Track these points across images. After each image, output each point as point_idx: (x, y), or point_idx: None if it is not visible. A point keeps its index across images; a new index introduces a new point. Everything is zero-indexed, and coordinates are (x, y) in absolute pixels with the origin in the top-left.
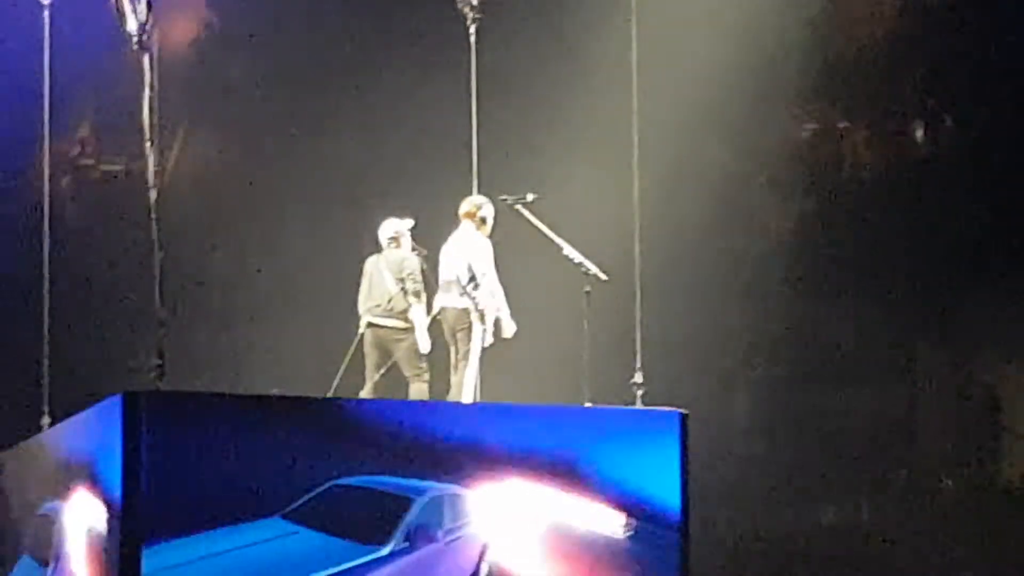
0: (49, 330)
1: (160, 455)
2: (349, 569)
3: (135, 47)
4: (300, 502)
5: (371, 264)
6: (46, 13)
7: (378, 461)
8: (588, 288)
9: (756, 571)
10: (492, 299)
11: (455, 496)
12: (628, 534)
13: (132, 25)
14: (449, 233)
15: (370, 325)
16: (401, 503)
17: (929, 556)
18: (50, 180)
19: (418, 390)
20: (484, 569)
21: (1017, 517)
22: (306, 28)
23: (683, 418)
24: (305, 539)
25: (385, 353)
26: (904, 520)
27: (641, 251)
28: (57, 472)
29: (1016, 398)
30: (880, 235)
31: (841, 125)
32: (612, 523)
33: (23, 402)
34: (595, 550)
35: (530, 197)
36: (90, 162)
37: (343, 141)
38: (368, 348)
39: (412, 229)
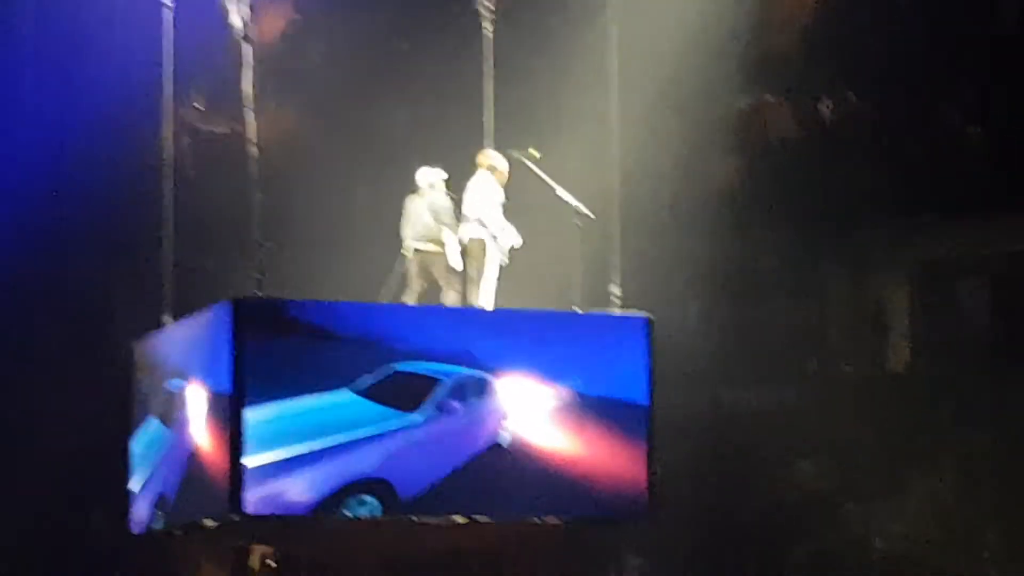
0: (174, 251)
1: (257, 344)
2: (391, 431)
3: (239, 37)
4: (363, 380)
5: (409, 202)
6: (167, 11)
7: (421, 352)
8: (579, 223)
9: (702, 437)
10: (505, 232)
11: (479, 379)
12: (609, 405)
13: (236, 21)
14: (468, 180)
15: (414, 250)
16: (433, 382)
17: (833, 425)
18: (173, 140)
19: (452, 299)
20: (505, 437)
21: (899, 395)
22: (365, 24)
23: (648, 321)
24: (363, 406)
25: (425, 270)
26: (816, 399)
27: (620, 196)
28: (181, 357)
29: (897, 306)
30: (796, 184)
31: (769, 100)
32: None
33: (150, 305)
34: (586, 419)
35: (537, 153)
36: (203, 126)
37: (391, 111)
38: (412, 267)
39: (439, 179)
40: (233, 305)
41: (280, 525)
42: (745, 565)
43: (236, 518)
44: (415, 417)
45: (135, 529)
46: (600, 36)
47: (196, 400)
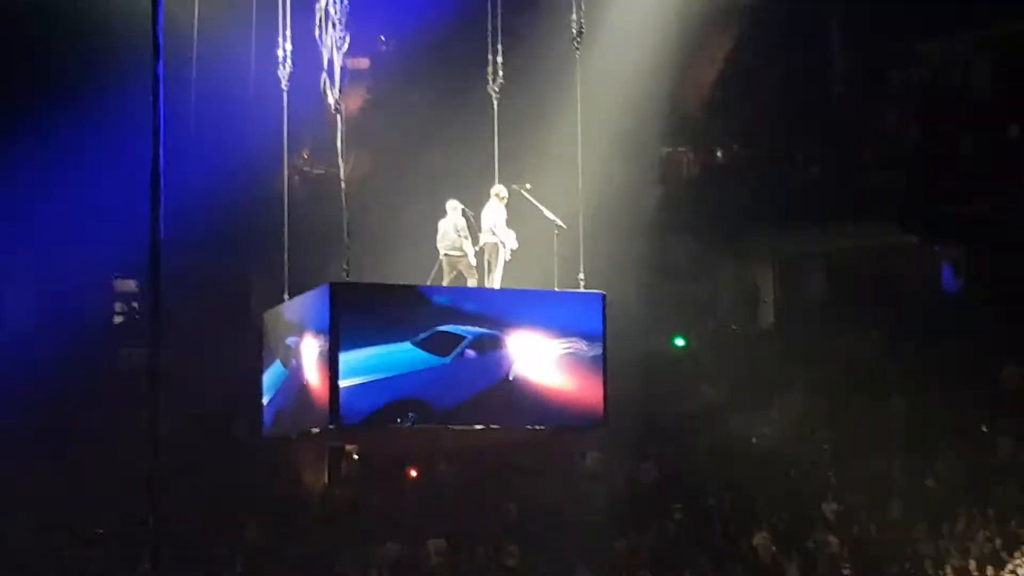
0: (289, 252)
1: (346, 310)
2: (429, 368)
3: (332, 110)
4: (417, 336)
5: (441, 223)
6: (285, 93)
7: (454, 318)
8: (556, 232)
9: (637, 372)
10: (508, 238)
11: (492, 336)
12: (578, 352)
13: (331, 100)
14: (484, 204)
15: (445, 255)
16: (460, 338)
17: (724, 363)
18: (288, 178)
19: (472, 284)
20: (512, 372)
21: (767, 344)
22: (412, 99)
23: (603, 296)
24: (416, 353)
25: (453, 267)
26: (713, 346)
27: (583, 213)
28: (295, 323)
29: (765, 286)
30: (700, 205)
31: (681, 149)
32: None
33: (274, 288)
34: (564, 361)
35: (528, 186)
36: (308, 169)
37: (430, 159)
38: (444, 266)
39: (464, 205)
40: (331, 286)
41: (360, 430)
42: (665, 453)
43: (332, 426)
44: (446, 360)
45: (264, 434)
46: (569, 106)
47: (306, 350)
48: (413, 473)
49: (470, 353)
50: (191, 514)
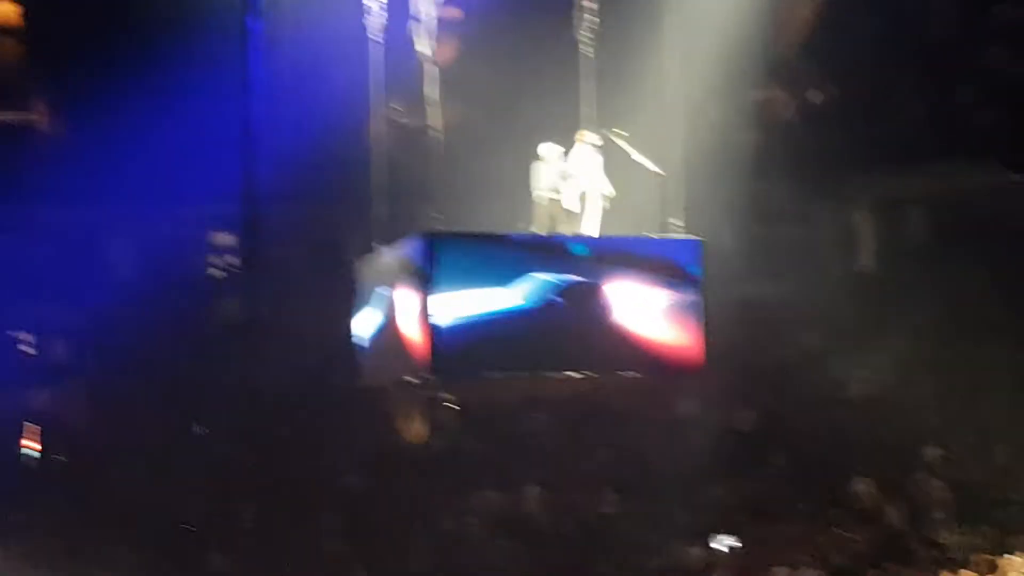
0: (384, 202)
1: (443, 261)
2: (524, 315)
3: (424, 60)
4: (512, 283)
5: (535, 168)
6: (378, 45)
7: (551, 264)
8: (655, 178)
9: (735, 317)
10: (604, 185)
11: (588, 284)
12: (676, 298)
13: (424, 49)
14: (573, 148)
15: (541, 200)
16: (555, 284)
17: (823, 307)
18: (381, 130)
19: (569, 230)
20: (608, 319)
21: (865, 287)
22: (504, 48)
23: (701, 242)
24: (511, 301)
25: (549, 213)
26: (811, 291)
27: (679, 159)
28: (389, 271)
29: (864, 229)
30: (796, 150)
31: (777, 92)
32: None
33: (367, 237)
34: (663, 308)
35: (624, 133)
36: (401, 119)
37: (522, 106)
38: (541, 211)
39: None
40: (426, 235)
41: (456, 380)
42: (765, 401)
43: (429, 376)
44: (540, 307)
45: (361, 384)
46: (662, 46)
47: (400, 299)
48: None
49: (563, 300)
50: (291, 463)
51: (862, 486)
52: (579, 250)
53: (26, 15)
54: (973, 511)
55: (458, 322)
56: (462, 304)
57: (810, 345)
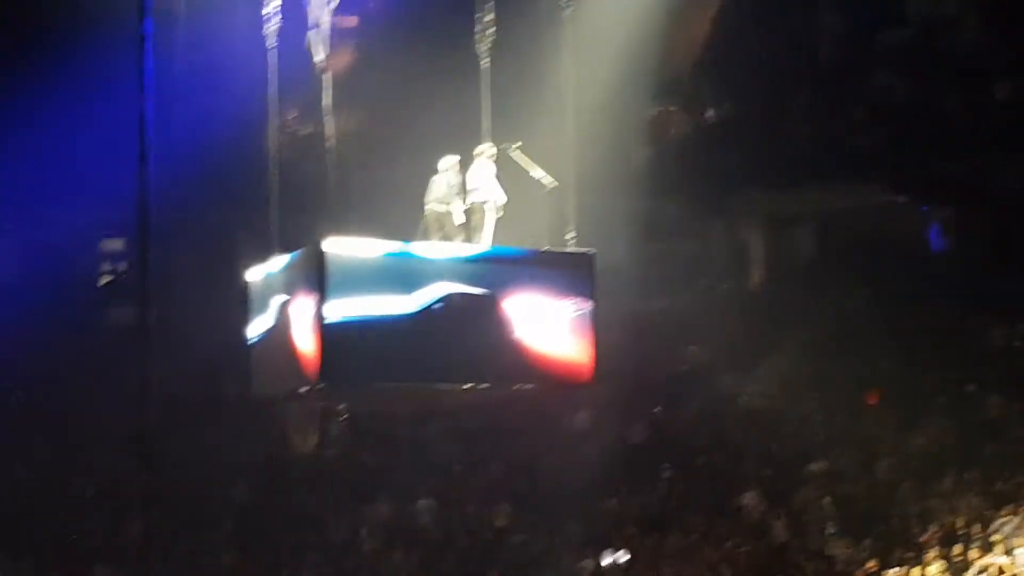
0: (279, 209)
1: (336, 271)
2: (415, 326)
3: (320, 69)
4: (405, 293)
5: (433, 179)
6: (273, 52)
7: (444, 275)
8: (547, 191)
9: (624, 331)
10: (497, 196)
11: (480, 294)
12: (567, 310)
13: (319, 57)
14: (471, 160)
15: (431, 211)
16: (450, 294)
17: (712, 322)
18: (277, 137)
19: (459, 242)
20: (499, 331)
21: (753, 303)
22: (401, 59)
23: (592, 255)
24: (403, 311)
25: (440, 223)
26: (701, 305)
27: (573, 174)
28: (283, 281)
29: (755, 246)
30: (686, 167)
31: (671, 108)
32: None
33: (262, 245)
34: (553, 319)
35: (517, 145)
36: (295, 127)
37: (421, 117)
38: (431, 223)
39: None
40: (319, 245)
41: (347, 390)
42: (655, 414)
43: (320, 386)
44: (432, 318)
45: (252, 393)
46: (560, 61)
47: (294, 308)
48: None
49: (454, 310)
50: (180, 473)
51: (750, 499)
52: (472, 261)
53: None
54: (857, 524)
55: (349, 332)
56: (353, 314)
57: (700, 359)
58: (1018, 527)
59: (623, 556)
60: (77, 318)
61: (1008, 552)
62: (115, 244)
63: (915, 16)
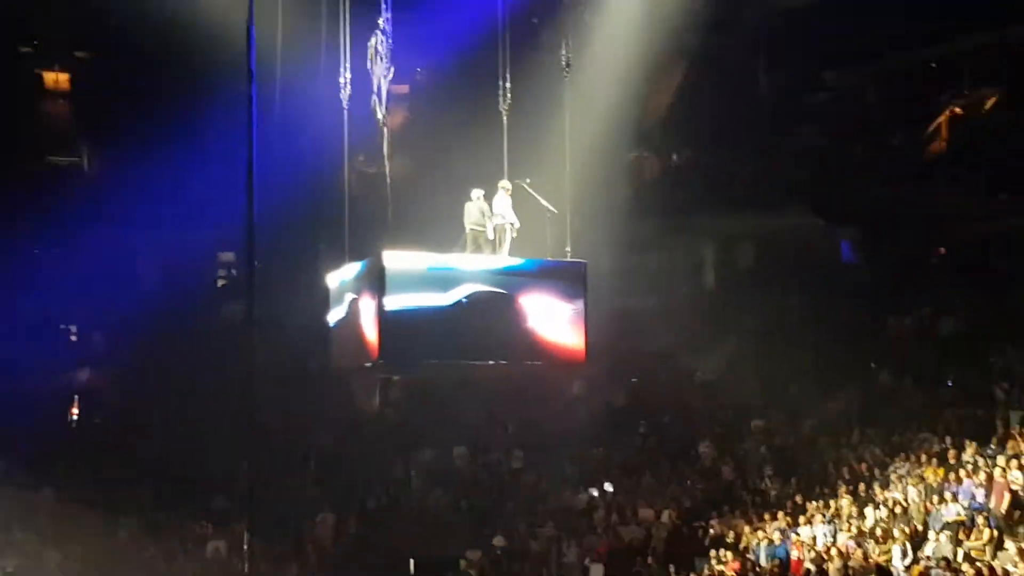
0: (349, 228)
1: (393, 275)
2: (452, 316)
3: (381, 123)
4: (446, 291)
5: (467, 206)
6: (346, 112)
7: (476, 278)
8: (549, 216)
9: (608, 324)
10: (513, 220)
11: (502, 294)
12: (566, 307)
13: (379, 115)
14: (494, 192)
15: (470, 230)
16: (479, 293)
17: (677, 317)
18: (348, 174)
19: (488, 252)
20: (516, 321)
21: (709, 302)
22: (441, 117)
23: (585, 264)
24: (444, 305)
25: (475, 240)
26: (667, 304)
27: (569, 203)
28: (353, 281)
29: (708, 259)
30: (659, 202)
31: (645, 154)
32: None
33: (338, 254)
34: (556, 314)
35: (528, 180)
36: (363, 168)
37: (456, 159)
38: (468, 239)
39: (482, 193)
40: (381, 254)
41: (399, 365)
42: (633, 384)
43: (381, 362)
44: (465, 310)
45: (331, 367)
46: (562, 117)
47: (362, 302)
48: None
49: (480, 304)
50: (277, 425)
51: (704, 449)
52: (496, 268)
53: (73, 81)
54: (786, 468)
55: (400, 322)
56: (404, 307)
57: (667, 343)
58: (908, 471)
59: (608, 488)
60: (202, 310)
61: (901, 489)
62: (228, 256)
63: (830, 83)
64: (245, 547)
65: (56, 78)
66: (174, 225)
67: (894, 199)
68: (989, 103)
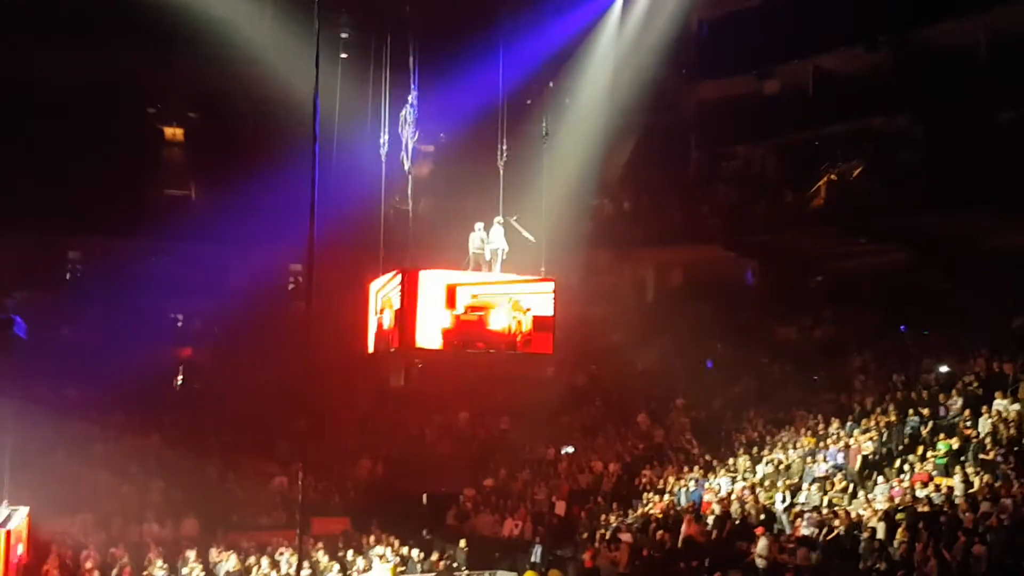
0: (383, 249)
1: (418, 285)
2: (459, 317)
3: (408, 172)
4: (453, 299)
5: (471, 235)
6: (382, 159)
7: (475, 290)
8: (530, 242)
9: (573, 328)
10: (504, 246)
11: (494, 301)
12: (540, 312)
13: (406, 165)
14: (491, 227)
15: (472, 253)
16: (477, 302)
17: (625, 318)
18: (384, 210)
19: (486, 270)
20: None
21: (649, 309)
22: (456, 168)
23: (555, 281)
24: (450, 310)
25: (476, 261)
26: (618, 311)
27: (545, 234)
28: (386, 289)
29: (648, 278)
30: (611, 233)
31: (605, 201)
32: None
33: (374, 268)
34: (533, 316)
35: (515, 216)
36: (397, 205)
37: (465, 201)
38: (472, 260)
39: (483, 225)
40: (403, 271)
41: (418, 352)
42: (591, 370)
43: (402, 349)
44: (458, 312)
45: (369, 352)
46: (541, 171)
47: (392, 305)
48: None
49: (477, 307)
50: (327, 393)
51: (642, 418)
52: (488, 283)
53: (186, 134)
54: (703, 434)
55: (421, 320)
56: (425, 311)
57: (616, 341)
58: (789, 439)
59: (570, 448)
60: (276, 309)
61: (784, 450)
62: (296, 267)
63: (741, 155)
64: (300, 482)
65: (173, 132)
66: (257, 243)
67: (785, 240)
68: (856, 172)
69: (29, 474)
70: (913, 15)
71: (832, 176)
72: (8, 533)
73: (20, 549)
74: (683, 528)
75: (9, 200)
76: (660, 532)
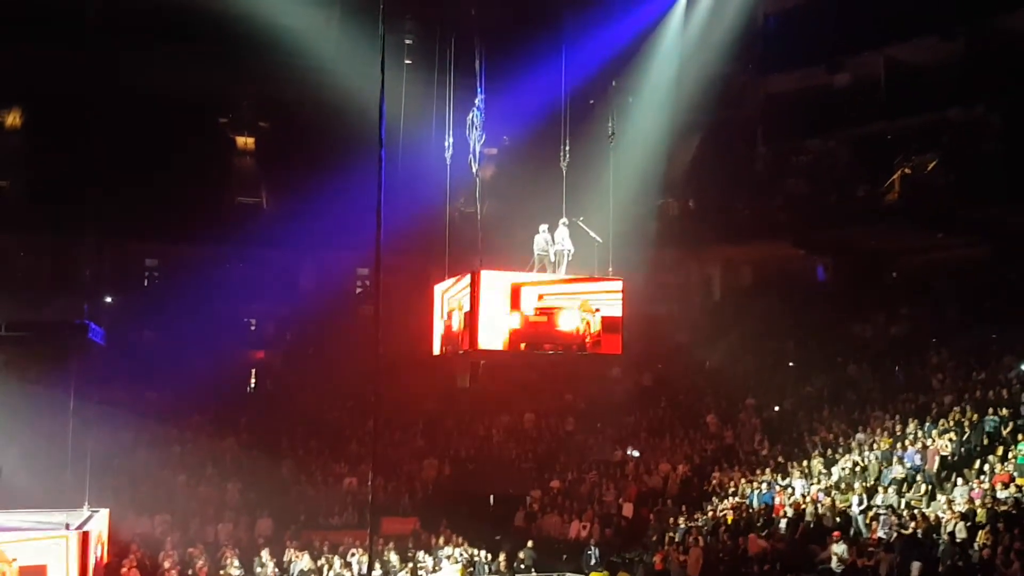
0: (448, 250)
1: (482, 288)
2: (527, 319)
3: (475, 175)
4: (521, 300)
5: (536, 237)
6: (447, 164)
7: (541, 290)
8: (596, 244)
9: (638, 325)
10: (570, 247)
11: (563, 303)
12: (609, 312)
13: (474, 168)
14: (555, 227)
15: (537, 255)
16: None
17: (691, 319)
18: (452, 212)
19: (551, 271)
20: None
21: (716, 312)
22: (521, 171)
23: (623, 281)
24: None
25: (541, 262)
26: (678, 311)
27: (612, 235)
28: (452, 292)
29: (694, 277)
30: (679, 234)
31: (670, 200)
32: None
33: (439, 272)
34: (603, 320)
35: (580, 217)
36: (463, 208)
37: (531, 201)
38: (536, 262)
39: (547, 227)
40: (472, 273)
41: (485, 353)
42: (658, 370)
43: (472, 350)
44: (536, 316)
45: (435, 353)
46: (607, 172)
47: (460, 308)
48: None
49: (545, 310)
50: (395, 395)
51: (711, 419)
52: (555, 283)
53: (257, 144)
54: (772, 435)
55: (485, 323)
56: (490, 314)
57: (684, 340)
58: (865, 440)
59: (635, 452)
60: (344, 312)
61: (860, 453)
62: (363, 271)
63: (811, 148)
64: (370, 482)
65: (245, 141)
66: (325, 248)
67: (858, 235)
68: (930, 165)
69: (110, 477)
70: (989, 2)
71: (906, 169)
72: (85, 535)
73: (100, 551)
74: (750, 545)
75: (89, 209)
76: (729, 536)
